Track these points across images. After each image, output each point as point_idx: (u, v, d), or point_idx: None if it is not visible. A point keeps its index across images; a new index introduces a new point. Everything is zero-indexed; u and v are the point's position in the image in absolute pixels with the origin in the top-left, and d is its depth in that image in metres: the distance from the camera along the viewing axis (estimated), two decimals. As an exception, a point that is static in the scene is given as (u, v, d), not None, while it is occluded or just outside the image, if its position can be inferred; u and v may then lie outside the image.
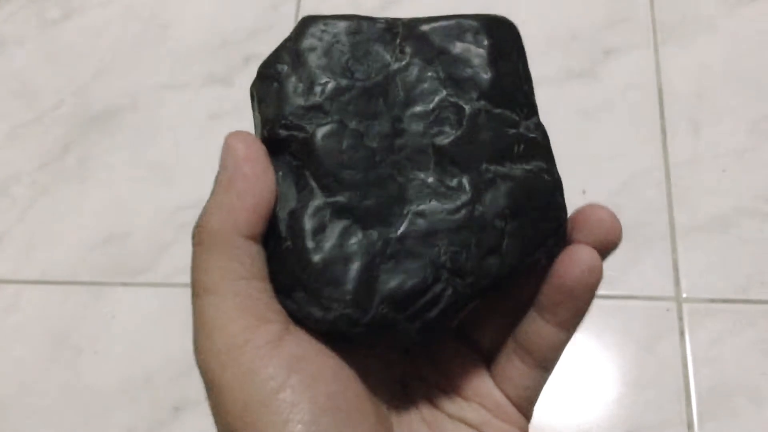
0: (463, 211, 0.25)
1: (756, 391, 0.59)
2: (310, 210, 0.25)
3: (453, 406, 0.27)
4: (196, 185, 0.74)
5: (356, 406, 0.23)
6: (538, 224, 0.26)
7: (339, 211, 0.25)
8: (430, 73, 0.26)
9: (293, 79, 0.26)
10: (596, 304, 0.66)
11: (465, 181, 0.26)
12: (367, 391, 0.25)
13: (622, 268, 0.64)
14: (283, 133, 0.26)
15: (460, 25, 0.27)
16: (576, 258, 0.26)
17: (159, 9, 0.85)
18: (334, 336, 0.25)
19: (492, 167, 0.26)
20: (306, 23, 0.27)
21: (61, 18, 0.87)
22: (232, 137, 0.25)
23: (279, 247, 0.25)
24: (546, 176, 0.27)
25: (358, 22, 0.27)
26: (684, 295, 0.62)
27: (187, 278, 0.72)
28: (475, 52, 0.27)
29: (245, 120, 0.79)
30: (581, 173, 0.68)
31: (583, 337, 0.62)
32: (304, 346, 0.23)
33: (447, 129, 0.26)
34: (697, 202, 0.66)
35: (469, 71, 0.26)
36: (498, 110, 0.26)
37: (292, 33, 0.27)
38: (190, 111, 0.78)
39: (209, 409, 0.23)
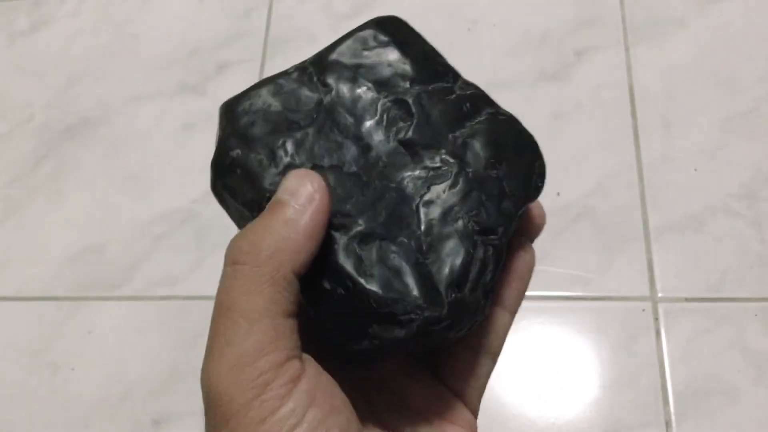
0: (461, 179, 0.27)
1: (733, 389, 0.59)
2: (340, 252, 0.25)
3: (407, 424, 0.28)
4: (172, 196, 0.73)
5: None
6: (522, 155, 0.28)
7: (364, 239, 0.26)
8: (360, 89, 0.28)
9: (252, 156, 0.27)
10: (572, 305, 0.67)
11: (444, 155, 0.27)
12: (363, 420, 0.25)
13: (597, 269, 0.64)
14: None
15: (358, 38, 0.29)
16: (524, 254, 0.30)
17: (129, 18, 0.84)
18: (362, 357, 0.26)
19: (457, 132, 0.28)
20: (228, 107, 0.28)
21: (30, 29, 0.86)
22: (307, 173, 0.25)
23: (329, 298, 0.25)
24: (501, 116, 0.29)
25: (274, 82, 0.28)
26: (659, 295, 0.63)
27: (163, 290, 0.71)
28: (384, 52, 0.29)
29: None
30: (554, 175, 0.68)
31: (559, 338, 0.62)
32: (318, 379, 0.24)
33: (402, 124, 0.28)
34: (670, 201, 0.66)
35: (389, 69, 0.28)
36: (431, 86, 0.28)
37: (221, 124, 0.28)
38: (163, 121, 0.78)
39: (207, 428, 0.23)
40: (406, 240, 0.26)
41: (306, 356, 0.24)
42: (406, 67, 0.28)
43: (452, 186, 0.27)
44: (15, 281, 0.71)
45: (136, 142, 0.77)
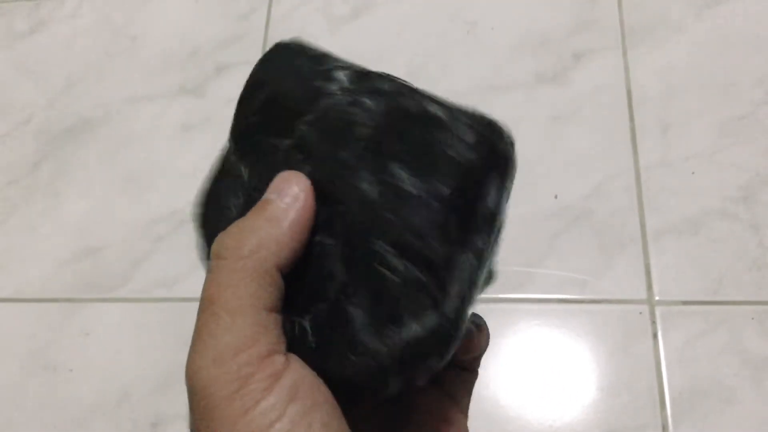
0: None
1: (730, 392, 0.59)
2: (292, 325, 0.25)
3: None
4: (171, 197, 0.73)
5: None
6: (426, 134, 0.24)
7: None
8: (269, 155, 0.26)
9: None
10: (569, 308, 0.67)
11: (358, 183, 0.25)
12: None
13: (595, 272, 0.64)
14: None
15: (244, 100, 0.26)
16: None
17: (128, 20, 0.84)
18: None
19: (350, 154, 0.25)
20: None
21: (30, 31, 0.86)
22: (293, 174, 0.25)
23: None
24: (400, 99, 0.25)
25: (219, 187, 0.27)
26: (656, 298, 0.63)
27: (162, 292, 0.71)
28: (271, 103, 0.26)
29: (218, 131, 0.80)
30: (553, 178, 0.68)
31: (556, 341, 0.62)
32: (302, 374, 0.24)
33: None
34: (668, 204, 0.66)
35: (282, 113, 0.26)
36: (319, 110, 0.25)
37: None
38: (163, 122, 0.78)
39: (190, 426, 0.23)
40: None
41: (291, 354, 0.24)
42: (292, 104, 0.25)
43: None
44: (14, 282, 0.71)
45: (135, 143, 0.77)
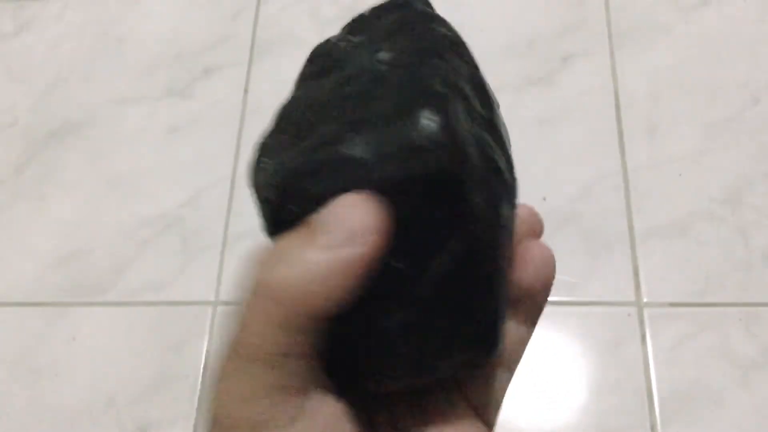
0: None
1: (718, 394, 0.59)
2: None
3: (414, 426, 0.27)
4: (157, 200, 0.73)
5: None
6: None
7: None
8: None
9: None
10: (557, 310, 0.67)
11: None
12: None
13: (583, 274, 0.64)
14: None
15: None
16: (528, 256, 0.24)
17: (115, 21, 0.84)
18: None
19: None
20: None
21: (15, 31, 0.85)
22: (355, 197, 0.20)
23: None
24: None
25: None
26: (644, 300, 0.63)
27: (149, 296, 0.70)
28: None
29: (205, 133, 0.79)
30: (541, 180, 0.68)
31: (545, 344, 0.62)
32: (322, 416, 0.22)
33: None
34: (655, 206, 0.67)
35: None
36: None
37: None
38: (149, 124, 0.77)
39: None
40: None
41: (316, 392, 0.22)
42: None
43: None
44: (-2, 286, 0.71)
45: (121, 146, 0.76)
